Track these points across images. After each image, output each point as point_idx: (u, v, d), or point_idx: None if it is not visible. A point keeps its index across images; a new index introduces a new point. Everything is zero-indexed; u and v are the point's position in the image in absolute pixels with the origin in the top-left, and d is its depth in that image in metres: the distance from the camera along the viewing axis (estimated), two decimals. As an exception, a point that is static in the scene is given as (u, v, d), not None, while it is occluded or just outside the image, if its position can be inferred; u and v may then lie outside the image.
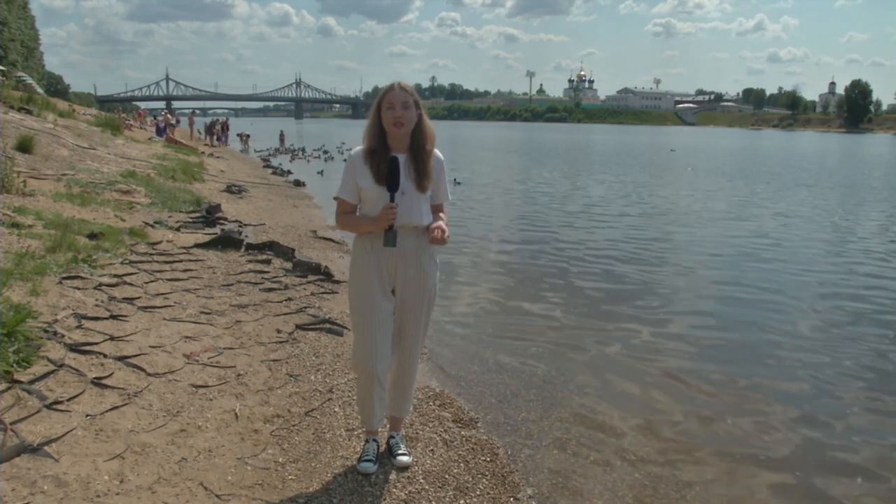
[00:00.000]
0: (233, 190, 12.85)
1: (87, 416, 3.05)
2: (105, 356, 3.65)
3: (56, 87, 71.32)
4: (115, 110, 43.13)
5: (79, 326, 3.93)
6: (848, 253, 9.24)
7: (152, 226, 7.56)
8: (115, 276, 5.16)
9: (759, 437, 3.77)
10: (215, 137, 30.61)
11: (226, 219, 9.01)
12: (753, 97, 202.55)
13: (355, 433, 3.30)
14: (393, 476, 2.96)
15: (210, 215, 8.87)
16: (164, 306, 4.76)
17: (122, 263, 5.57)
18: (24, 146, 10.51)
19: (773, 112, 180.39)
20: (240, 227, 8.62)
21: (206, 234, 7.61)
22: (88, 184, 9.21)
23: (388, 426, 3.19)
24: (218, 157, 21.42)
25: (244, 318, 4.84)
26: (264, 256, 6.76)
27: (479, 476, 3.07)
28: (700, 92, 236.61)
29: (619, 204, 14.35)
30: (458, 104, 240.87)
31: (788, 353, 5.12)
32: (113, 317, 4.26)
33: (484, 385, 4.28)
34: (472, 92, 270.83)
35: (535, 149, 43.03)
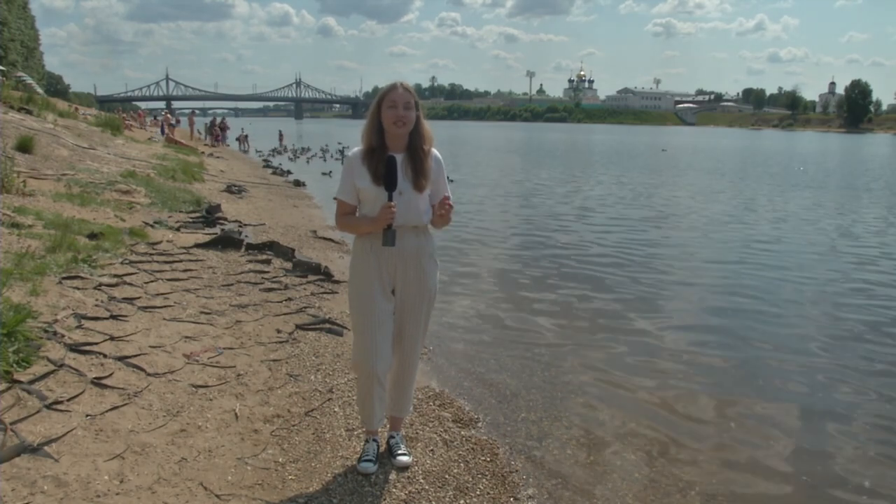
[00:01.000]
0: (233, 190, 12.85)
1: (87, 416, 3.05)
2: (105, 356, 3.65)
3: (56, 87, 71.35)
4: (115, 110, 43.16)
5: (79, 326, 3.93)
6: (851, 256, 9.23)
7: (152, 226, 7.56)
8: (115, 276, 5.16)
9: (759, 437, 3.77)
10: (215, 138, 30.61)
11: (226, 219, 9.01)
12: (753, 97, 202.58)
13: (355, 433, 3.30)
14: (393, 476, 2.96)
15: (210, 215, 8.87)
16: (164, 306, 4.76)
17: (122, 263, 5.57)
18: (24, 146, 10.52)
19: (773, 112, 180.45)
20: (240, 227, 8.62)
21: (206, 234, 7.61)
22: (88, 184, 9.21)
23: (388, 426, 3.19)
24: (218, 157, 21.42)
25: (244, 318, 4.84)
26: (264, 256, 6.76)
27: (479, 476, 3.07)
28: (700, 92, 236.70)
29: (619, 205, 14.35)
30: (458, 104, 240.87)
31: (790, 355, 5.11)
32: (113, 317, 4.26)
33: (484, 385, 4.28)
34: (472, 92, 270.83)
35: (534, 149, 43.03)
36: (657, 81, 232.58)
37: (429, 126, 2.80)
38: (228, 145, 31.45)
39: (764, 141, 73.60)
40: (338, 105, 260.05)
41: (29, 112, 16.76)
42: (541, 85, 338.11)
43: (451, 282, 6.87)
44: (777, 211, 13.74)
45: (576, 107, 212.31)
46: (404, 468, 3.02)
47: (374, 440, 3.06)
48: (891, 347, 5.29)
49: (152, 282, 5.30)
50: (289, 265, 6.54)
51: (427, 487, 2.91)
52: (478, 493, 2.93)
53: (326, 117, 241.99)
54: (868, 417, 4.06)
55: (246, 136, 32.60)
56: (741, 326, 5.77)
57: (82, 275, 4.89)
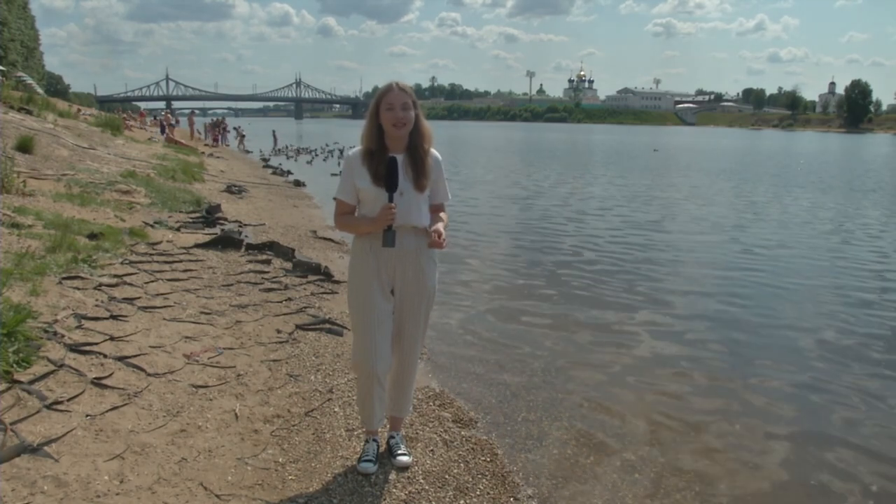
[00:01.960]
0: (233, 190, 12.85)
1: (87, 416, 3.05)
2: (105, 356, 3.66)
3: (56, 87, 71.37)
4: (115, 110, 43.17)
5: (79, 326, 3.93)
6: (852, 256, 9.23)
7: (152, 226, 7.56)
8: (115, 276, 5.16)
9: (759, 438, 3.77)
10: (214, 138, 30.62)
11: (226, 219, 9.01)
12: (753, 97, 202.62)
13: (355, 433, 3.30)
14: (393, 476, 2.96)
15: (210, 215, 8.87)
16: (164, 306, 4.76)
17: (122, 263, 5.57)
18: (24, 146, 10.51)
19: (773, 112, 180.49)
20: (240, 227, 8.62)
21: (206, 234, 7.61)
22: (88, 184, 9.21)
23: (388, 426, 3.19)
24: (218, 157, 21.42)
25: (244, 318, 4.84)
26: (264, 256, 6.76)
27: (479, 476, 3.07)
28: (700, 92, 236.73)
29: (618, 206, 14.34)
30: (458, 104, 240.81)
31: (791, 355, 5.11)
32: (113, 317, 4.26)
33: (484, 385, 4.28)
34: (472, 92, 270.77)
35: (534, 150, 43.02)
36: (657, 81, 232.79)
37: (428, 125, 2.80)
38: (228, 145, 31.47)
39: (764, 141, 73.59)
40: (338, 105, 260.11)
41: (29, 112, 16.75)
42: (541, 85, 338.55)
43: (451, 282, 6.87)
44: (777, 210, 13.74)
45: (576, 107, 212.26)
46: (404, 468, 3.02)
47: (374, 440, 3.06)
48: (892, 348, 5.29)
49: (152, 282, 5.30)
50: (289, 265, 6.54)
51: (427, 487, 2.91)
52: (478, 493, 2.93)
53: (326, 117, 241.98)
54: (869, 418, 4.06)
55: (243, 136, 32.72)
56: (741, 327, 5.77)
57: (82, 275, 4.89)
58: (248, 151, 29.31)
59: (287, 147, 32.27)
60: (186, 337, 4.27)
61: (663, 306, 6.33)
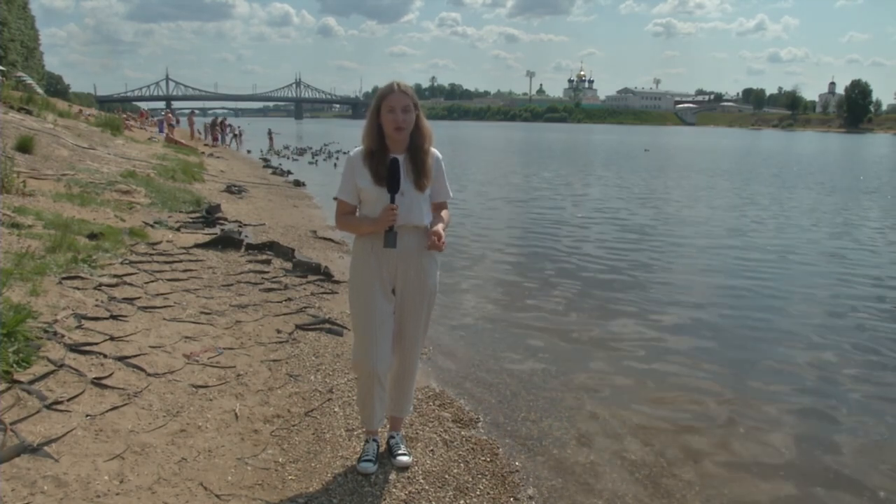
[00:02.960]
0: (233, 190, 12.84)
1: (87, 416, 3.05)
2: (105, 356, 3.65)
3: (56, 87, 71.34)
4: (115, 110, 43.17)
5: (79, 326, 3.93)
6: (854, 257, 9.23)
7: (152, 226, 7.56)
8: (115, 276, 5.16)
9: (759, 438, 3.77)
10: (214, 138, 30.65)
11: (226, 219, 9.01)
12: (753, 97, 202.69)
13: (355, 433, 3.30)
14: (393, 476, 2.96)
15: (210, 215, 8.87)
16: (164, 306, 4.76)
17: (122, 263, 5.56)
18: (24, 146, 10.51)
19: (773, 112, 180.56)
20: (240, 227, 8.62)
21: (206, 234, 7.61)
22: (88, 184, 9.21)
23: (388, 426, 3.19)
24: (218, 157, 21.42)
25: (244, 318, 4.84)
26: (264, 256, 6.76)
27: (479, 476, 3.07)
28: (700, 92, 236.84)
29: (617, 206, 14.34)
30: (458, 104, 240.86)
31: (792, 356, 5.11)
32: (113, 317, 4.26)
33: (484, 385, 4.28)
34: (472, 92, 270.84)
35: (534, 149, 43.03)
36: (657, 81, 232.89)
37: (429, 125, 2.80)
38: (229, 145, 31.48)
39: (762, 141, 73.57)
40: (338, 105, 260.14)
41: (29, 112, 16.75)
42: (541, 85, 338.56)
43: (451, 282, 6.87)
44: (772, 211, 13.73)
45: (576, 107, 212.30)
46: (404, 468, 3.02)
47: (374, 440, 3.06)
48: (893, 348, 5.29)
49: (152, 282, 5.30)
50: (289, 265, 6.54)
51: (427, 487, 2.91)
52: (478, 493, 2.93)
53: (326, 117, 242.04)
54: (870, 419, 4.06)
55: (240, 135, 32.87)
56: (742, 328, 5.77)
57: (82, 275, 4.89)
58: (248, 152, 29.32)
59: (286, 148, 32.13)
60: (186, 337, 4.27)
61: (664, 307, 6.33)
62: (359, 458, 3.01)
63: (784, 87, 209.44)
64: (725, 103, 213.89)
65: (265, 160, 24.21)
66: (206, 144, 28.43)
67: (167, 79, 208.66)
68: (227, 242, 7.05)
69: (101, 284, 4.84)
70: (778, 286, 7.21)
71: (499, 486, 3.01)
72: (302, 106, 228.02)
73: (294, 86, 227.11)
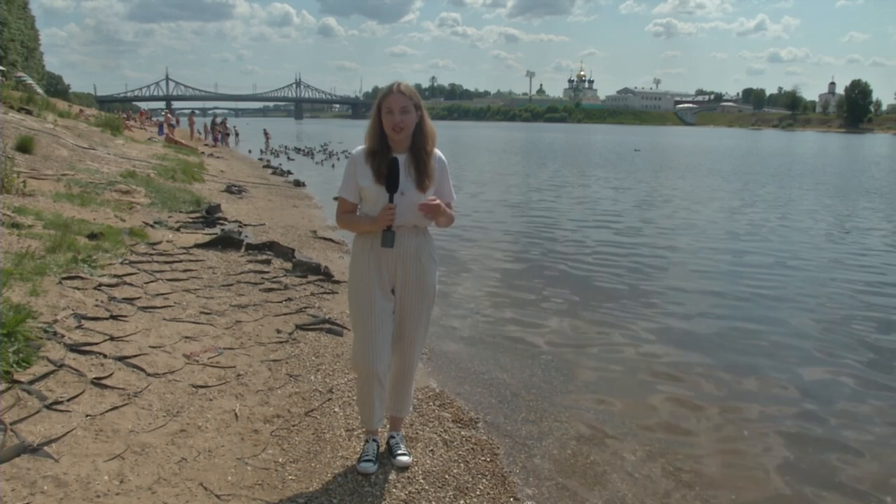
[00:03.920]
0: (233, 190, 12.84)
1: (87, 416, 3.05)
2: (105, 356, 3.65)
3: (56, 87, 71.33)
4: (115, 110, 43.20)
5: (79, 326, 3.92)
6: (855, 258, 9.23)
7: (152, 226, 7.56)
8: (115, 276, 5.15)
9: (758, 440, 3.77)
10: (215, 138, 30.72)
11: (226, 219, 9.01)
12: (753, 97, 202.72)
13: (355, 433, 3.30)
14: (393, 476, 2.96)
15: (210, 215, 8.86)
16: (164, 306, 4.76)
17: (121, 263, 5.56)
18: (24, 146, 10.51)
19: (773, 112, 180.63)
20: (240, 227, 8.62)
21: (206, 234, 7.61)
22: (88, 184, 9.21)
23: (388, 426, 3.19)
24: (218, 158, 21.42)
25: (244, 318, 4.84)
26: (264, 256, 6.76)
27: (479, 476, 3.07)
28: (700, 92, 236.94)
29: (617, 207, 14.34)
30: (458, 104, 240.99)
31: (792, 357, 5.11)
32: (113, 317, 4.26)
33: (484, 385, 4.28)
34: (472, 92, 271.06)
35: (534, 150, 43.03)
36: (657, 81, 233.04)
37: (432, 126, 2.80)
38: (228, 145, 31.53)
39: (763, 141, 73.56)
40: (338, 105, 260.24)
41: (29, 112, 16.75)
42: (541, 85, 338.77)
43: (452, 282, 6.87)
44: (776, 212, 13.74)
45: (576, 107, 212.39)
46: (404, 468, 3.02)
47: (374, 440, 3.06)
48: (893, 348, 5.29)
49: (152, 282, 5.30)
50: (289, 265, 6.53)
51: (427, 487, 2.91)
52: (478, 493, 2.93)
53: (326, 117, 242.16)
54: (870, 419, 4.06)
55: (237, 134, 33.05)
56: (742, 328, 5.77)
57: (82, 275, 4.89)
58: (248, 151, 29.41)
59: (284, 148, 32.11)
60: (186, 337, 4.26)
61: (664, 307, 6.33)
62: (359, 458, 3.01)
63: (784, 87, 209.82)
64: (725, 103, 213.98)
65: (265, 161, 24.21)
66: (206, 144, 28.47)
67: (167, 79, 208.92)
68: (227, 242, 7.04)
69: (101, 284, 4.83)
70: (777, 290, 7.20)
71: (499, 486, 3.01)
72: (302, 106, 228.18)
73: (294, 86, 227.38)
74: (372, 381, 2.85)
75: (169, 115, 35.59)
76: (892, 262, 8.69)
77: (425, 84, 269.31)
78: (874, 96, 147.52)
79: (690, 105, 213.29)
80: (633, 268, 7.96)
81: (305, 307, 5.29)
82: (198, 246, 6.84)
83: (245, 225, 8.94)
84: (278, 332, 4.66)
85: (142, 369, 3.64)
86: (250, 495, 2.71)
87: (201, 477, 2.78)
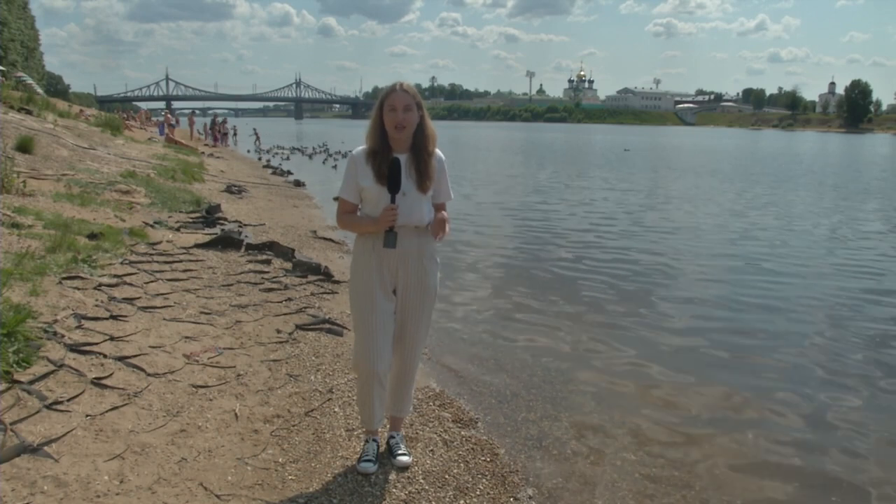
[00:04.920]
0: (233, 190, 12.84)
1: (87, 416, 3.05)
2: (105, 356, 3.65)
3: (56, 87, 71.32)
4: (115, 111, 43.22)
5: (79, 326, 3.92)
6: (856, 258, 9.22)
7: (152, 226, 7.56)
8: (115, 276, 5.15)
9: (759, 439, 3.77)
10: (215, 138, 30.74)
11: (226, 219, 9.01)
12: (753, 97, 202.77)
13: (355, 433, 3.30)
14: (393, 476, 2.96)
15: (210, 215, 8.86)
16: (164, 306, 4.76)
17: (121, 264, 5.56)
18: (24, 146, 10.51)
19: (773, 112, 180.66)
20: (240, 227, 8.62)
21: (206, 234, 7.61)
22: (88, 184, 9.21)
23: (388, 426, 3.19)
24: (218, 157, 21.42)
25: (244, 318, 4.84)
26: (264, 256, 6.76)
27: (479, 476, 3.07)
28: (700, 92, 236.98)
29: (618, 207, 14.34)
30: (458, 104, 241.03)
31: (793, 358, 5.10)
32: (113, 317, 4.25)
33: (484, 385, 4.28)
34: (472, 92, 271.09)
35: (534, 150, 43.03)
36: (657, 81, 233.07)
37: (433, 126, 2.80)
38: (228, 145, 31.56)
39: (763, 141, 73.54)
40: (338, 105, 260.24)
41: (29, 112, 16.75)
42: (541, 85, 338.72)
43: (452, 283, 6.87)
44: (764, 210, 13.74)
45: (576, 107, 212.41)
46: (404, 468, 3.02)
47: (374, 440, 3.06)
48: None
49: (152, 282, 5.30)
50: (289, 265, 6.53)
51: (427, 487, 2.91)
52: (478, 493, 2.93)
53: (326, 117, 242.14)
54: (870, 420, 4.06)
55: (235, 133, 33.29)
56: (742, 329, 5.77)
57: (82, 275, 4.89)
58: (248, 151, 29.54)
59: (278, 148, 32.09)
60: (186, 337, 4.26)
61: (663, 308, 6.33)
62: (359, 458, 3.01)
63: (784, 87, 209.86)
64: (725, 103, 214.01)
65: (266, 161, 24.22)
66: (206, 144, 28.48)
67: (167, 79, 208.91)
68: (227, 242, 7.04)
69: (101, 284, 4.83)
70: (781, 290, 7.20)
71: (499, 486, 3.01)
72: (302, 106, 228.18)
73: (294, 86, 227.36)
74: (372, 381, 2.85)
75: (169, 115, 35.59)
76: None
77: (425, 84, 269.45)
78: (874, 96, 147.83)
79: (690, 105, 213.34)
80: (634, 268, 7.96)
81: (305, 307, 5.29)
82: (198, 246, 6.84)
83: (245, 225, 8.94)
84: (278, 332, 4.66)
85: (142, 369, 3.64)
86: (250, 495, 2.71)
87: (201, 477, 2.78)
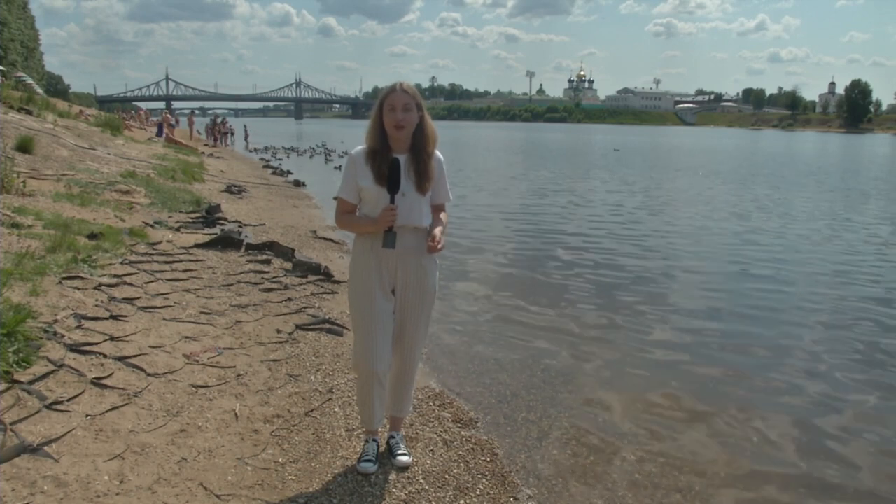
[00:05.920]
0: (233, 190, 12.84)
1: (87, 416, 3.05)
2: (105, 356, 3.65)
3: (56, 87, 71.32)
4: (115, 111, 43.24)
5: (79, 326, 3.92)
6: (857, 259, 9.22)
7: (152, 226, 7.56)
8: (115, 276, 5.15)
9: (759, 440, 3.77)
10: (215, 138, 30.75)
11: (226, 219, 9.01)
12: (753, 97, 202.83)
13: (355, 433, 3.30)
14: (393, 476, 2.96)
15: (210, 215, 8.86)
16: (164, 306, 4.76)
17: (121, 264, 5.56)
18: (24, 146, 10.51)
19: (773, 112, 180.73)
20: (240, 227, 8.62)
21: (206, 234, 7.61)
22: (88, 184, 9.21)
23: (388, 426, 3.19)
24: (218, 157, 21.42)
25: (244, 318, 4.84)
26: (264, 256, 6.76)
27: (479, 476, 3.07)
28: (700, 92, 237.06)
29: (619, 207, 14.34)
30: (458, 104, 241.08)
31: (793, 359, 5.10)
32: (113, 317, 4.25)
33: (484, 385, 4.28)
34: (472, 92, 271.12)
35: (534, 150, 43.04)
36: (657, 81, 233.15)
37: (433, 127, 2.80)
38: (228, 145, 31.55)
39: (763, 141, 73.53)
40: (338, 105, 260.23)
41: (29, 112, 16.75)
42: (541, 85, 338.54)
43: (452, 283, 6.87)
44: (772, 208, 13.74)
45: (576, 107, 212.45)
46: (404, 468, 3.02)
47: (374, 440, 3.06)
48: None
49: (152, 282, 5.30)
50: (289, 265, 6.53)
51: (427, 487, 2.91)
52: (478, 493, 2.93)
53: (326, 117, 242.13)
54: (871, 421, 4.06)
55: (233, 133, 33.55)
56: (742, 330, 5.77)
57: (82, 275, 4.89)
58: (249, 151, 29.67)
59: (266, 149, 32.09)
60: (186, 337, 4.26)
61: (663, 308, 6.33)
62: (359, 458, 3.01)
63: (784, 87, 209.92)
64: (725, 103, 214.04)
65: (267, 161, 24.23)
66: (206, 144, 28.48)
67: (167, 79, 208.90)
68: (227, 242, 7.04)
69: (101, 284, 4.83)
70: (781, 293, 7.20)
71: (499, 486, 3.01)
72: (302, 106, 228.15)
73: (294, 86, 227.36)
74: (372, 381, 2.85)
75: (168, 115, 35.60)
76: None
77: (425, 84, 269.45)
78: (874, 96, 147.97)
79: (690, 105, 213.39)
80: (635, 270, 7.96)
81: (305, 307, 5.29)
82: (198, 246, 6.84)
83: (245, 225, 8.94)
84: (278, 332, 4.66)
85: (142, 369, 3.64)
86: (250, 495, 2.71)
87: (201, 477, 2.78)
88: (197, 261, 6.25)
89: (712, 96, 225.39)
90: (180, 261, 6.13)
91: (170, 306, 4.78)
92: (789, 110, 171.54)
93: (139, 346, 3.93)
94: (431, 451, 3.24)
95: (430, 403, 3.82)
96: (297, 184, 16.23)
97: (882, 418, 4.06)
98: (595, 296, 6.64)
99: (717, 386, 4.47)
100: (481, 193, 15.83)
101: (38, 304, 3.98)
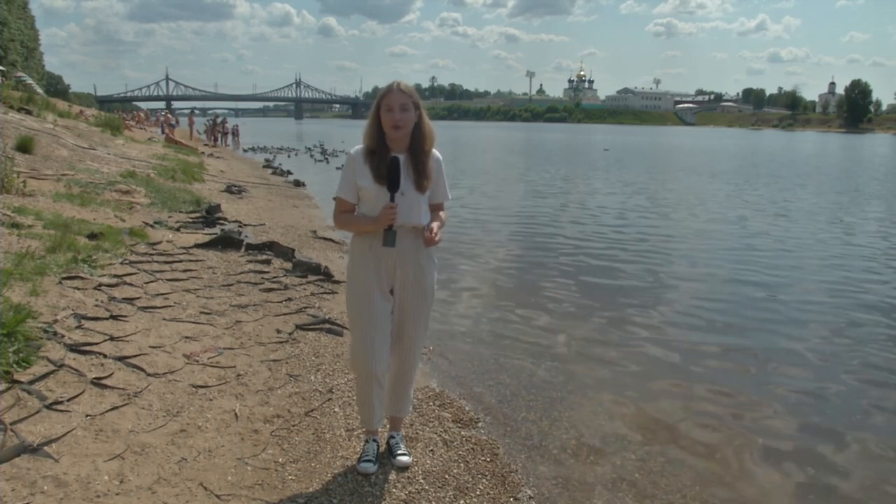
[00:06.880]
0: (233, 190, 12.84)
1: (87, 416, 3.05)
2: (105, 356, 3.65)
3: (56, 87, 71.36)
4: (115, 111, 43.27)
5: (79, 326, 3.92)
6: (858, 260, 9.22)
7: (152, 226, 7.56)
8: (115, 276, 5.15)
9: (760, 440, 3.76)
10: (215, 138, 30.75)
11: (226, 219, 9.01)
12: (753, 97, 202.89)
13: (355, 433, 3.30)
14: (393, 476, 2.96)
15: (210, 215, 8.86)
16: (164, 306, 4.76)
17: (121, 263, 5.56)
18: (24, 146, 10.51)
19: (773, 112, 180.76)
20: (240, 227, 8.62)
21: (206, 234, 7.61)
22: (88, 184, 9.21)
23: (387, 426, 3.19)
24: (218, 158, 21.42)
25: (244, 318, 4.84)
26: (264, 256, 6.76)
27: (479, 476, 3.07)
28: (700, 92, 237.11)
29: (616, 207, 14.34)
30: (458, 104, 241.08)
31: (793, 359, 5.11)
32: (113, 317, 4.25)
33: (484, 385, 4.28)
34: (472, 92, 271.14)
35: (534, 150, 43.04)
36: (657, 81, 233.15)
37: (431, 126, 2.80)
38: (228, 145, 31.53)
39: (764, 141, 73.52)
40: (338, 105, 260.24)
41: (29, 112, 16.75)
42: (541, 85, 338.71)
43: (451, 282, 6.87)
44: (771, 207, 13.74)
45: (576, 107, 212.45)
46: (404, 468, 3.02)
47: (374, 440, 3.06)
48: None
49: (152, 282, 5.30)
50: (289, 265, 6.53)
51: (427, 487, 2.91)
52: (478, 493, 2.93)
53: (326, 117, 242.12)
54: (871, 422, 4.06)
55: (233, 133, 33.68)
56: (743, 331, 5.77)
57: (82, 275, 4.89)
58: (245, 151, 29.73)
59: (260, 149, 32.10)
60: (186, 337, 4.26)
61: (664, 309, 6.33)
62: (359, 459, 3.01)
63: (784, 87, 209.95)
64: (725, 103, 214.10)
65: (267, 161, 24.22)
66: (205, 144, 28.48)
67: (167, 79, 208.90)
68: (227, 242, 7.04)
69: (101, 284, 4.83)
70: (781, 293, 7.20)
71: (499, 486, 3.01)
72: (302, 106, 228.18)
73: (294, 86, 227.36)
74: (371, 381, 2.85)
75: (168, 115, 35.61)
76: None
77: (425, 84, 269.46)
78: (874, 96, 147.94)
79: (690, 105, 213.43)
80: (635, 270, 7.95)
81: (305, 307, 5.29)
82: (198, 246, 6.84)
83: (245, 225, 8.94)
84: (278, 332, 4.66)
85: (142, 369, 3.64)
86: (250, 495, 2.71)
87: (201, 477, 2.78)
88: (197, 261, 6.25)
89: (712, 96, 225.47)
90: (180, 261, 6.14)
91: (170, 306, 4.79)
92: (789, 110, 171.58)
93: (139, 346, 3.93)
94: (431, 451, 3.24)
95: (430, 403, 3.82)
96: (297, 184, 16.23)
97: (884, 423, 4.06)
98: (596, 296, 6.63)
99: (720, 388, 4.47)
100: (482, 193, 15.82)
101: (38, 304, 3.98)
